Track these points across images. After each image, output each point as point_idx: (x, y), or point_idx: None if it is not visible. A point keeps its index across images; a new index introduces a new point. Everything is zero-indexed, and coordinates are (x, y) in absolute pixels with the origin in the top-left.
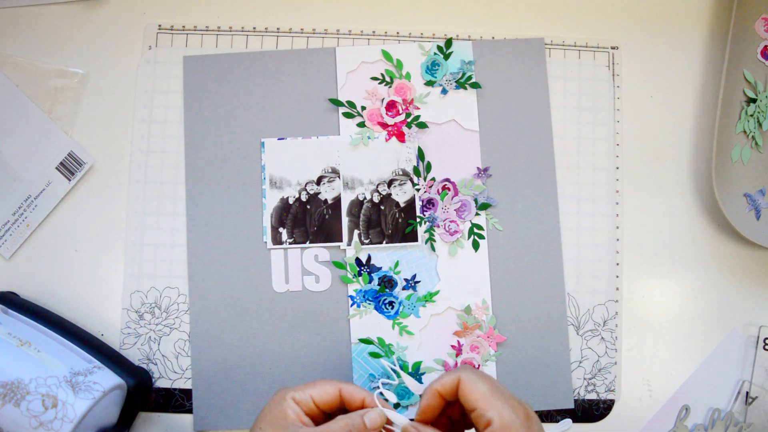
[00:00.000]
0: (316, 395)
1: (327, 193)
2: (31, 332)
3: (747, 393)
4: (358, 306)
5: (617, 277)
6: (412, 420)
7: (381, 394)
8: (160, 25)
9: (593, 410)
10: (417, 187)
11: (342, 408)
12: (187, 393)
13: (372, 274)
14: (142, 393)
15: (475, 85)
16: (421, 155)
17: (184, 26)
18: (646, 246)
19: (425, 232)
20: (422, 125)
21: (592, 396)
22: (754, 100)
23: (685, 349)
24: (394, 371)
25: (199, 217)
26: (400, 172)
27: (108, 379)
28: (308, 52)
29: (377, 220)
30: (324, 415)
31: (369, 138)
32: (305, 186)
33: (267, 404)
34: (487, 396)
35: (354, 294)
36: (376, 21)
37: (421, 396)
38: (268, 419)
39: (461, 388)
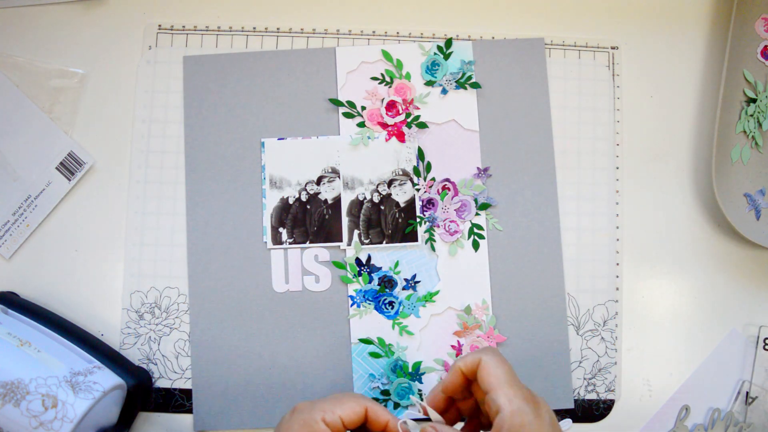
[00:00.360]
0: (345, 416)
1: (327, 193)
2: (31, 332)
3: (747, 393)
4: (358, 306)
5: (617, 277)
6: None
7: (405, 423)
8: (160, 25)
9: (593, 410)
10: (417, 187)
11: (363, 426)
12: (187, 393)
13: (372, 274)
14: (142, 393)
15: (475, 85)
16: (421, 155)
17: (184, 26)
18: (646, 246)
19: (425, 232)
20: (422, 125)
21: (592, 396)
22: (754, 100)
23: (685, 349)
24: (419, 402)
25: (199, 217)
26: (400, 172)
27: (108, 379)
28: (308, 52)
29: (377, 220)
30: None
31: (369, 138)
32: (305, 186)
33: (292, 424)
34: (502, 381)
35: (354, 294)
36: (376, 21)
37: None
38: None
39: (480, 368)
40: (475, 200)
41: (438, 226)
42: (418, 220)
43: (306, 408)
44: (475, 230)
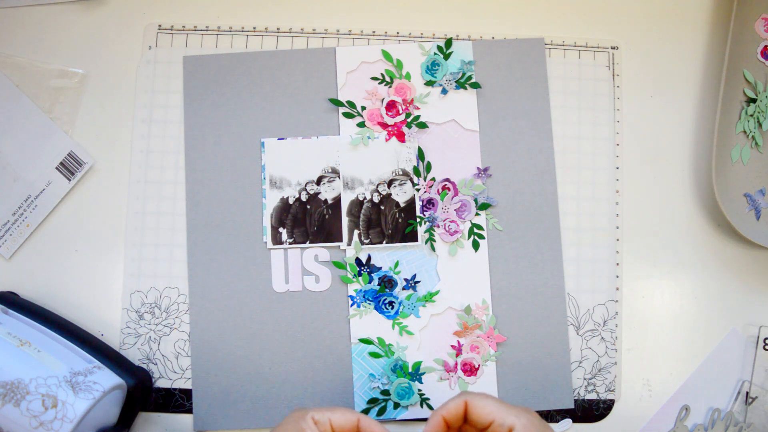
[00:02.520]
0: (335, 420)
1: (327, 193)
2: (31, 332)
3: (747, 393)
4: (358, 306)
5: (617, 277)
6: None
7: None
8: (160, 25)
9: (593, 410)
10: (417, 187)
11: None
12: (187, 393)
13: (372, 274)
14: (142, 393)
15: (475, 85)
16: (421, 155)
17: (184, 26)
18: (646, 246)
19: (425, 232)
20: (422, 125)
21: (592, 396)
22: (754, 100)
23: (685, 349)
24: None
25: (199, 217)
26: (400, 172)
27: (108, 379)
28: (308, 52)
29: (377, 220)
30: None
31: (369, 138)
32: (305, 186)
33: (284, 422)
34: (499, 407)
35: (354, 294)
36: (376, 21)
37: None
38: None
39: (470, 407)
40: (475, 200)
41: (438, 226)
42: (418, 220)
43: (300, 408)
44: (475, 230)
